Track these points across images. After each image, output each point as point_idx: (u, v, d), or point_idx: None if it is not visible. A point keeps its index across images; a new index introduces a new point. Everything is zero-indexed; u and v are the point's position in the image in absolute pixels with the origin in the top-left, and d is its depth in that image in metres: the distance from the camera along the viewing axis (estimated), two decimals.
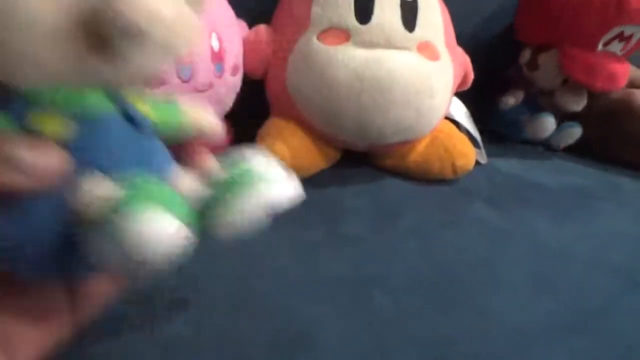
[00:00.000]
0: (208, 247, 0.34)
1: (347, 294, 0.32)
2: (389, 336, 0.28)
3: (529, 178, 0.54)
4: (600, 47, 0.58)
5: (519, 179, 0.54)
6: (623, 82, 0.59)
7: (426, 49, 0.46)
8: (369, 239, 0.38)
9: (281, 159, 0.45)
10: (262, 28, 0.48)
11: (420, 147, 0.51)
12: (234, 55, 0.44)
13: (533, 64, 0.64)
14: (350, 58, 0.43)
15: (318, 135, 0.48)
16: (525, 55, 0.65)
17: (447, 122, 0.53)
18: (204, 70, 0.39)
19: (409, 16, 0.45)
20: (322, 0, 0.44)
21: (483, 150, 0.56)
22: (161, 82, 0.36)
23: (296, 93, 0.45)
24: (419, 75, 0.44)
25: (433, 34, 0.47)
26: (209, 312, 0.29)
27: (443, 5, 0.50)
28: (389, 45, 0.44)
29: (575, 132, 0.65)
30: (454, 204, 0.46)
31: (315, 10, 0.45)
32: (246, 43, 0.47)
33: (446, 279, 0.34)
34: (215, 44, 0.41)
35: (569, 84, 0.62)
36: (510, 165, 0.58)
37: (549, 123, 0.65)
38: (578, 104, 0.63)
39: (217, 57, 0.41)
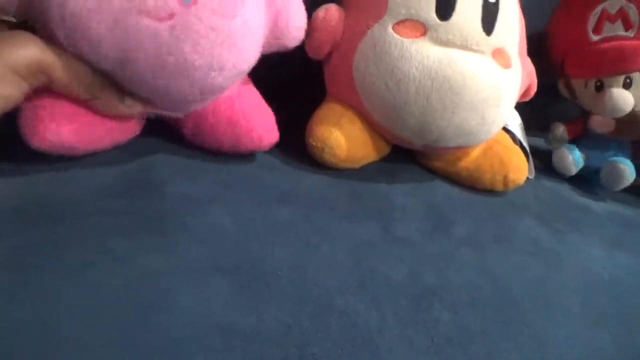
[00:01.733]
0: (261, 231, 0.34)
1: (406, 302, 0.31)
2: (452, 356, 0.28)
3: (575, 199, 0.54)
4: (592, 36, 0.57)
5: (565, 199, 0.53)
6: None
7: (500, 56, 0.44)
8: (423, 244, 0.38)
9: (337, 147, 0.43)
10: (333, 8, 0.45)
11: (474, 154, 0.49)
12: None
13: (572, 94, 0.61)
14: (424, 55, 0.41)
15: (374, 127, 0.46)
16: (561, 87, 0.62)
17: (503, 132, 0.52)
18: None
19: (489, 19, 0.43)
20: None
21: (532, 165, 0.55)
22: None
23: (361, 82, 0.43)
24: (490, 82, 0.43)
25: (509, 41, 0.45)
26: (272, 305, 0.28)
27: (521, 12, 0.48)
28: (465, 46, 0.42)
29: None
30: (505, 218, 0.45)
31: None
32: (314, 20, 0.45)
33: (504, 299, 0.33)
34: None
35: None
36: (554, 182, 0.57)
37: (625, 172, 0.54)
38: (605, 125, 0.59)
39: None
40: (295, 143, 0.45)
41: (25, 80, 0.29)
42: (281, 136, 0.42)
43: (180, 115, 0.38)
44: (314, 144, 0.44)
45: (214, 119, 0.39)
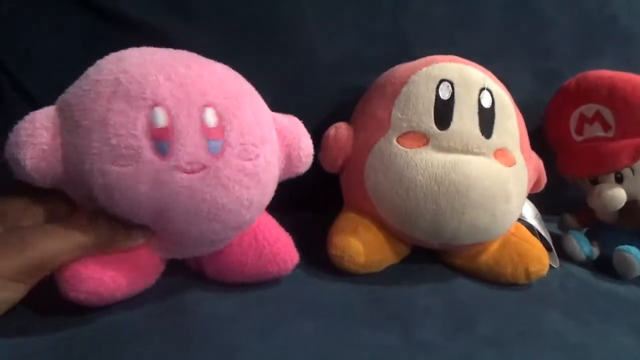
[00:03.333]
0: (285, 338, 0.35)
1: None
2: None
3: (602, 286, 0.53)
4: (575, 136, 0.59)
5: (592, 286, 0.53)
6: (621, 159, 0.54)
7: (502, 155, 0.47)
8: (446, 347, 0.38)
9: (356, 255, 0.46)
10: (342, 126, 0.50)
11: (492, 249, 0.50)
12: (249, 135, 0.36)
13: (578, 185, 0.62)
14: (429, 162, 0.44)
15: (391, 232, 0.49)
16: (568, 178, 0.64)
17: (519, 224, 0.53)
18: (190, 148, 0.33)
19: (487, 123, 0.47)
20: (403, 105, 0.47)
21: (555, 253, 0.55)
22: (132, 157, 0.31)
23: (373, 191, 0.47)
24: (495, 180, 0.45)
25: (509, 140, 0.48)
26: None
27: (518, 112, 0.51)
28: (467, 150, 0.45)
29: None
30: (529, 312, 0.45)
31: (396, 114, 0.47)
32: (326, 139, 0.50)
33: None
34: (211, 119, 0.34)
35: None
36: (581, 270, 0.56)
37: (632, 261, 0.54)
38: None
39: (214, 134, 0.34)
40: (315, 252, 0.48)
41: (23, 282, 0.31)
42: (304, 245, 0.45)
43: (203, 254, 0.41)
44: (334, 252, 0.46)
45: (240, 252, 0.41)
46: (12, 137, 0.31)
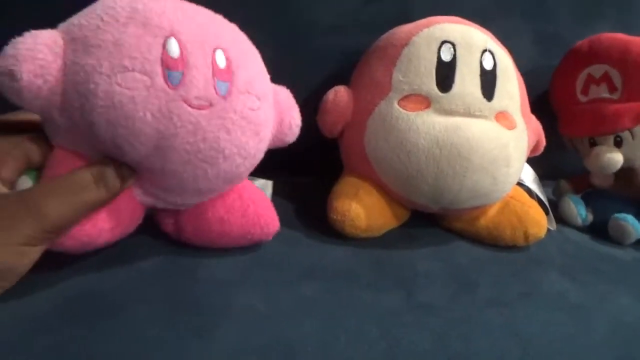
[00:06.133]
0: (289, 309, 0.35)
1: None
2: None
3: (600, 249, 0.54)
4: (580, 97, 0.59)
5: (590, 249, 0.53)
6: (622, 121, 0.54)
7: (503, 118, 0.46)
8: (448, 308, 0.38)
9: (357, 219, 0.45)
10: (342, 89, 0.49)
11: (491, 212, 0.51)
12: (252, 86, 0.37)
13: (576, 149, 0.62)
14: (430, 125, 0.44)
15: (391, 196, 0.48)
16: (567, 142, 0.64)
17: (518, 188, 0.53)
18: (200, 83, 0.33)
19: (488, 86, 0.46)
20: (404, 68, 0.46)
21: (552, 216, 0.56)
22: (144, 83, 0.31)
23: (374, 155, 0.46)
24: (496, 143, 0.45)
25: (510, 103, 0.47)
26: None
27: (519, 74, 0.50)
28: (468, 113, 0.45)
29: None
30: (529, 274, 0.45)
31: (397, 76, 0.46)
32: (325, 103, 0.49)
33: None
34: (222, 61, 0.35)
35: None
36: (578, 233, 0.57)
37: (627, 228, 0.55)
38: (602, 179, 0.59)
39: (223, 75, 0.34)
40: (316, 216, 0.47)
41: (35, 246, 0.30)
42: (304, 210, 0.45)
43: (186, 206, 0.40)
44: (335, 217, 0.46)
45: (223, 208, 0.40)
46: (8, 49, 0.29)
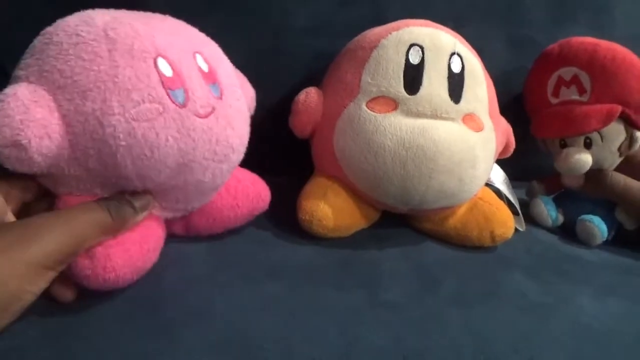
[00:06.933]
0: (250, 299, 0.36)
1: None
2: None
3: (568, 250, 0.54)
4: (551, 99, 0.60)
5: (558, 250, 0.54)
6: (591, 122, 0.54)
7: (471, 120, 0.47)
8: (409, 307, 0.39)
9: (325, 218, 0.46)
10: (312, 91, 0.50)
11: (460, 212, 0.51)
12: (230, 77, 0.39)
13: (547, 150, 0.62)
14: (397, 127, 0.44)
15: (360, 196, 0.49)
16: (540, 144, 0.64)
17: (487, 189, 0.54)
18: (200, 92, 0.34)
19: (456, 88, 0.47)
20: (373, 70, 0.46)
21: (522, 217, 0.57)
22: (157, 110, 0.31)
23: (342, 156, 0.47)
24: (463, 145, 0.45)
25: (477, 105, 0.48)
26: None
27: (488, 76, 0.51)
28: (435, 115, 0.45)
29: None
30: (494, 274, 0.46)
31: (366, 78, 0.46)
32: (296, 104, 0.50)
33: (488, 358, 0.34)
34: (204, 65, 0.36)
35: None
36: (548, 235, 0.58)
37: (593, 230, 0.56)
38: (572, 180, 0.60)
39: (210, 78, 0.36)
40: (286, 216, 0.48)
41: (54, 269, 0.28)
42: (274, 209, 0.45)
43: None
44: (303, 217, 0.46)
45: (229, 196, 0.43)
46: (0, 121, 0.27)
